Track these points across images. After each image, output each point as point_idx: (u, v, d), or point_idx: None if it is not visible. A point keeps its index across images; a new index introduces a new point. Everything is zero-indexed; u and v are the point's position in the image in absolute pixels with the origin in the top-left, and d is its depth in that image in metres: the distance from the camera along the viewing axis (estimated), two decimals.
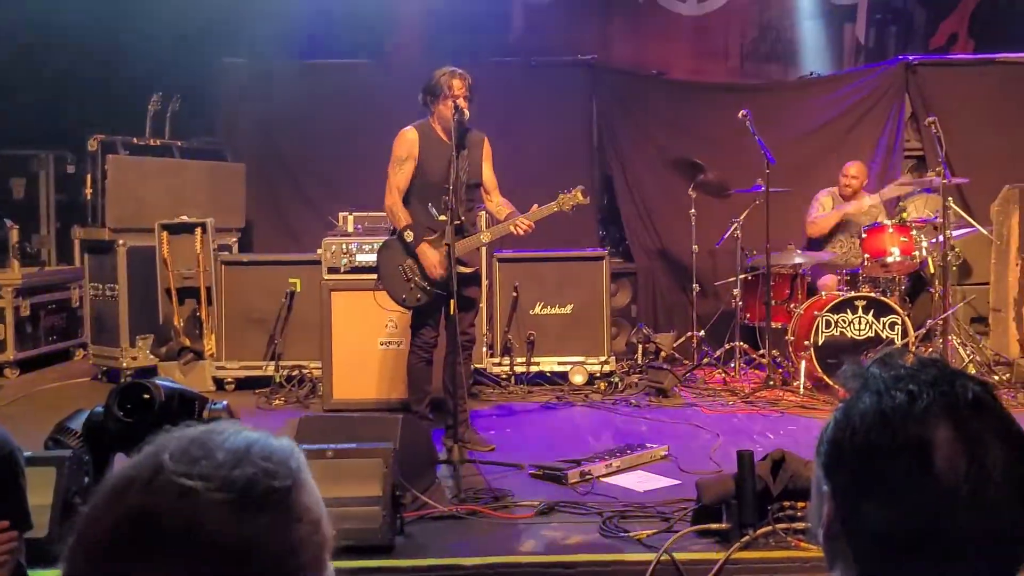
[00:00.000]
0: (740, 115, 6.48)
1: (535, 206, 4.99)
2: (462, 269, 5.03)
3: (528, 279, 6.75)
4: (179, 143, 7.81)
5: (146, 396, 3.23)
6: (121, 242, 6.90)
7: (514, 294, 6.72)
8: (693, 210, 7.05)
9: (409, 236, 4.89)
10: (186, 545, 0.88)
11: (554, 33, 9.26)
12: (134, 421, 3.29)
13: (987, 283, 7.22)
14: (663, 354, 6.97)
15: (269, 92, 8.19)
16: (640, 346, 7.05)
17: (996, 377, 6.32)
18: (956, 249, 6.61)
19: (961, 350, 6.49)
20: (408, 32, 9.10)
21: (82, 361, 7.70)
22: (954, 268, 6.64)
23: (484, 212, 5.48)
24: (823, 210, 7.15)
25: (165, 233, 6.87)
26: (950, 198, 6.44)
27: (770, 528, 3.36)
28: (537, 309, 6.74)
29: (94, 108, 7.86)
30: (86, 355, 7.51)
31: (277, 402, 6.30)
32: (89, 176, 7.40)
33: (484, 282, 6.29)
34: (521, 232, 4.93)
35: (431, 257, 4.84)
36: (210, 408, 3.50)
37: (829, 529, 1.11)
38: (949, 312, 6.31)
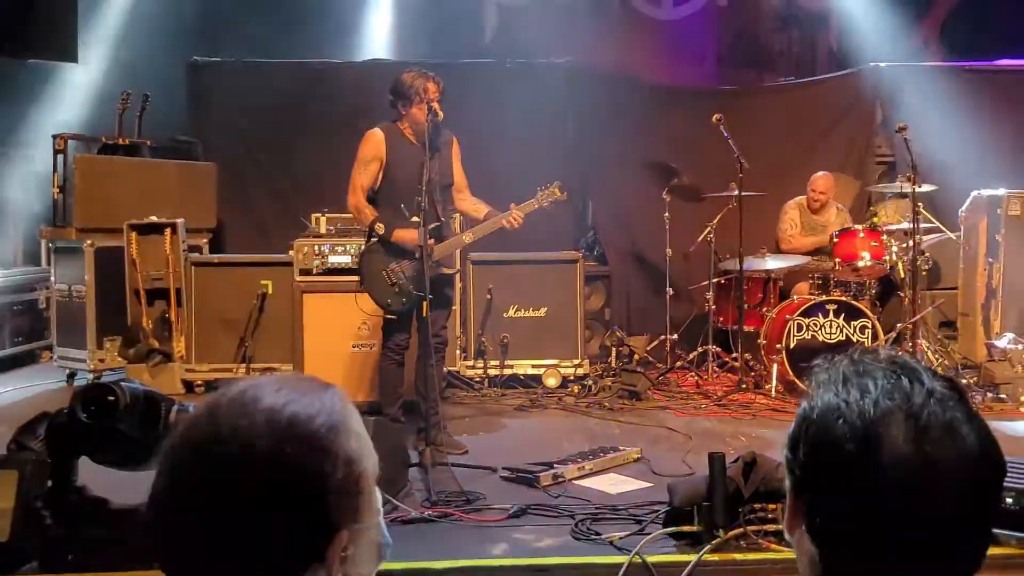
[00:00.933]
0: (714, 119, 6.51)
1: (512, 206, 4.98)
2: (445, 271, 5.02)
3: (502, 282, 6.73)
4: (149, 142, 7.71)
5: (111, 399, 3.17)
6: (89, 242, 6.81)
7: (488, 296, 6.70)
8: (667, 214, 7.06)
9: (380, 228, 4.85)
10: (239, 464, 1.03)
11: (528, 35, 9.25)
12: (98, 424, 3.24)
13: (955, 288, 7.29)
14: (636, 357, 6.98)
15: (241, 92, 8.12)
16: (614, 349, 7.05)
17: (964, 380, 6.38)
18: (926, 254, 6.68)
19: (930, 354, 6.55)
20: (381, 32, 9.07)
21: (48, 363, 7.58)
22: (924, 273, 6.71)
23: (457, 214, 5.45)
24: (795, 226, 7.21)
25: (134, 233, 6.78)
26: (920, 204, 6.51)
27: (741, 530, 3.36)
28: (511, 312, 6.72)
29: (62, 106, 7.76)
30: (52, 357, 7.39)
31: None
32: (57, 176, 7.29)
33: (458, 284, 6.27)
34: (516, 226, 4.91)
35: (409, 235, 4.76)
36: (177, 411, 3.44)
37: (790, 524, 1.11)
38: (918, 316, 6.37)
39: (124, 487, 3.50)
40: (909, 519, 1.01)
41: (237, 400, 1.08)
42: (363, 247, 5.11)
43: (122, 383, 3.38)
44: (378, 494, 1.17)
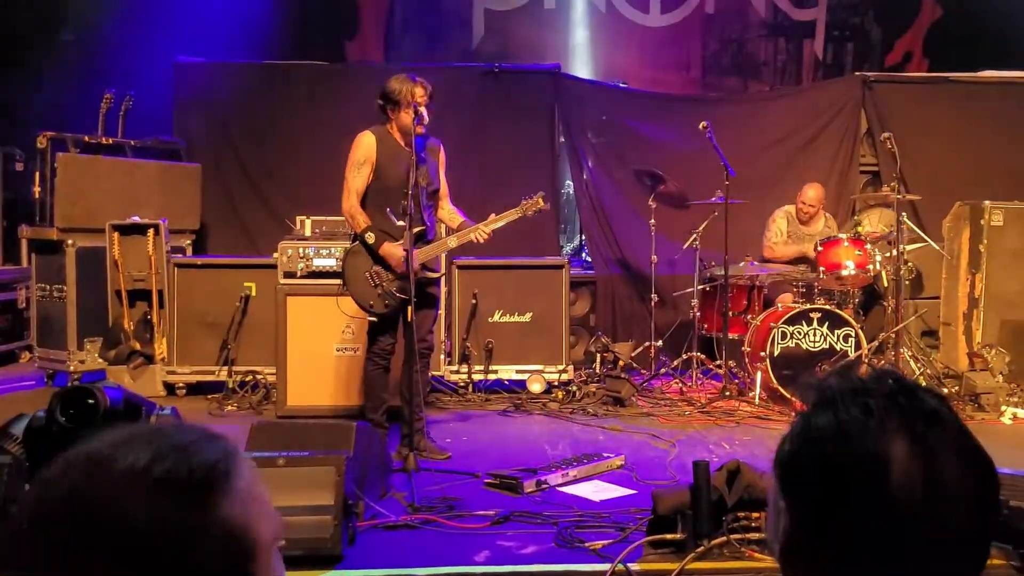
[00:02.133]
0: (701, 127, 6.52)
1: (492, 215, 4.98)
2: (430, 274, 5.00)
3: (487, 287, 6.71)
4: (132, 142, 7.65)
5: (90, 402, 3.14)
6: (70, 242, 6.74)
7: (473, 301, 6.68)
8: (653, 220, 7.07)
9: (371, 238, 4.83)
10: (105, 526, 0.88)
11: (516, 40, 9.26)
12: (77, 427, 3.20)
13: (938, 297, 7.34)
14: (621, 363, 6.97)
15: (226, 92, 8.08)
16: (598, 355, 7.04)
17: (945, 390, 6.41)
18: (909, 263, 6.71)
19: (912, 363, 6.58)
20: (368, 35, 9.04)
21: (28, 364, 7.51)
22: (907, 282, 6.74)
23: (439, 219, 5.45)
24: (780, 235, 7.23)
25: (116, 234, 6.73)
26: (903, 213, 6.54)
27: (725, 539, 3.36)
28: (496, 317, 6.71)
29: (45, 105, 7.69)
30: (32, 358, 7.31)
31: (229, 408, 6.19)
32: (38, 174, 7.22)
33: (443, 289, 6.25)
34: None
35: (397, 253, 4.77)
36: (157, 414, 3.42)
37: (786, 544, 1.09)
38: (901, 325, 6.40)
39: None
40: (916, 539, 1.00)
41: (93, 456, 0.92)
42: (347, 249, 5.09)
43: (101, 386, 3.35)
44: (281, 569, 0.99)
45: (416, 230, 4.77)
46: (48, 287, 6.94)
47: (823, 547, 1.04)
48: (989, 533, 1.05)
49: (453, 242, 5.04)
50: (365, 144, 4.92)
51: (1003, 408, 6.03)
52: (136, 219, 6.78)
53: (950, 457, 1.02)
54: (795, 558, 1.08)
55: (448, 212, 5.13)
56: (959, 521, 1.01)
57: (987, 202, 6.95)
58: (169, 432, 0.96)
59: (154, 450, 0.92)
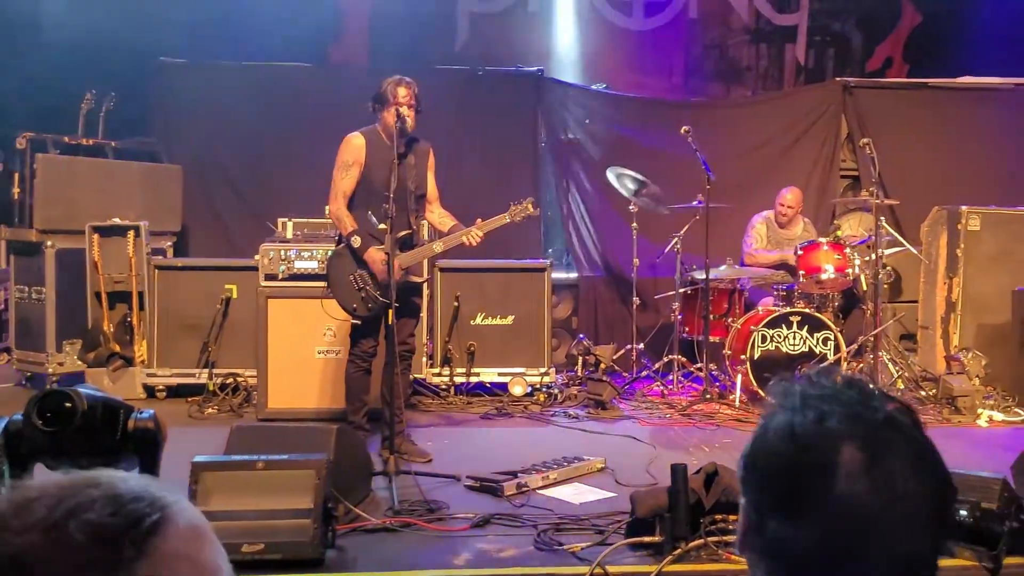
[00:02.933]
0: (682, 131, 6.55)
1: (478, 220, 4.98)
2: (414, 279, 5.00)
3: (470, 289, 6.72)
4: (113, 143, 7.61)
5: (67, 405, 3.13)
6: (50, 243, 6.70)
7: (455, 304, 6.69)
8: (635, 224, 7.11)
9: (357, 241, 4.83)
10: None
11: (499, 43, 9.28)
12: (55, 431, 3.19)
13: (916, 301, 7.41)
14: (603, 366, 6.99)
15: (208, 94, 8.04)
16: (580, 358, 7.06)
17: (923, 392, 6.47)
18: (887, 267, 6.77)
19: (891, 366, 6.64)
20: (352, 37, 9.03)
21: (6, 366, 7.45)
22: (885, 286, 6.80)
23: (425, 223, 5.45)
24: (760, 241, 7.28)
25: (96, 235, 6.69)
26: (882, 218, 6.60)
27: (702, 541, 3.38)
28: (478, 319, 6.72)
29: (24, 105, 7.63)
30: (10, 360, 7.26)
31: (210, 411, 6.17)
32: (17, 175, 7.17)
33: (425, 291, 6.25)
34: (474, 243, 4.92)
35: (380, 260, 4.77)
36: (136, 417, 3.40)
37: (742, 541, 1.12)
38: (879, 329, 6.45)
39: None
40: (862, 545, 1.02)
41: (17, 503, 0.85)
42: (332, 251, 5.09)
43: (79, 388, 3.34)
44: None
45: (401, 234, 4.78)
46: (27, 289, 6.90)
47: (772, 547, 1.07)
48: (941, 540, 1.07)
49: (439, 247, 5.03)
50: (354, 146, 4.91)
51: (979, 411, 6.08)
52: (116, 221, 6.75)
53: (902, 468, 1.04)
54: (748, 553, 1.11)
55: (439, 216, 5.12)
56: (908, 530, 1.03)
57: (964, 207, 7.02)
58: (101, 482, 0.87)
59: (78, 500, 0.84)
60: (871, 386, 1.12)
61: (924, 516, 1.04)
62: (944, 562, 3.51)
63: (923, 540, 1.05)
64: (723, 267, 6.78)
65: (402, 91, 4.79)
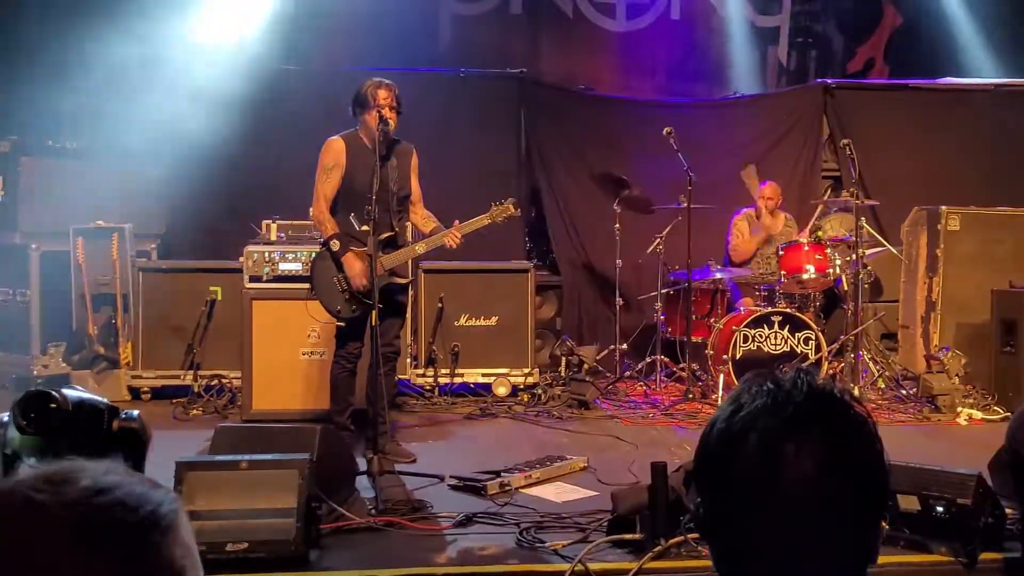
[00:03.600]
0: (664, 132, 6.61)
1: (456, 221, 5.01)
2: (398, 280, 5.02)
3: (453, 290, 6.75)
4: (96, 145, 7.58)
5: (52, 406, 3.14)
6: (34, 246, 6.70)
7: (439, 305, 6.72)
8: (617, 225, 7.15)
9: (336, 245, 4.85)
10: (18, 563, 0.84)
11: (482, 45, 9.30)
12: (38, 432, 3.20)
13: (897, 301, 7.49)
14: (586, 367, 7.04)
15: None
16: (563, 359, 7.11)
17: (903, 391, 6.54)
18: (868, 267, 6.84)
19: (871, 365, 6.71)
20: (334, 39, 9.04)
21: None
22: (866, 286, 6.87)
23: (409, 224, 5.47)
24: (741, 236, 7.35)
25: (80, 238, 6.69)
26: (863, 218, 6.67)
27: (682, 539, 3.42)
28: (462, 321, 6.75)
29: (7, 108, 7.60)
30: None
31: (195, 412, 6.18)
32: (1, 178, 7.14)
33: (410, 293, 6.27)
34: (454, 245, 4.96)
35: (356, 267, 4.82)
36: (120, 418, 3.42)
37: (694, 524, 1.25)
38: (860, 328, 6.52)
39: None
40: (756, 521, 1.10)
41: (55, 474, 0.90)
42: (315, 254, 5.11)
43: (63, 389, 3.35)
44: None
45: (384, 236, 4.81)
46: (11, 291, 6.88)
47: (701, 526, 1.18)
48: (850, 526, 1.12)
49: (421, 248, 5.06)
50: (334, 149, 4.94)
51: (959, 409, 6.16)
52: (100, 223, 6.75)
53: (805, 455, 1.09)
54: (699, 533, 1.26)
55: (422, 217, 5.15)
56: (804, 508, 1.09)
57: (944, 207, 7.10)
58: (115, 470, 0.94)
59: (114, 480, 0.91)
60: (808, 378, 1.16)
61: (820, 495, 1.09)
62: (920, 557, 3.56)
63: (837, 523, 1.10)
64: (705, 267, 6.83)
65: (383, 93, 4.82)
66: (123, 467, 0.98)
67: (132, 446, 3.43)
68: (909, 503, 3.47)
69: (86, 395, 3.44)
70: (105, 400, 3.60)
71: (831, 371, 6.52)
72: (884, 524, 1.18)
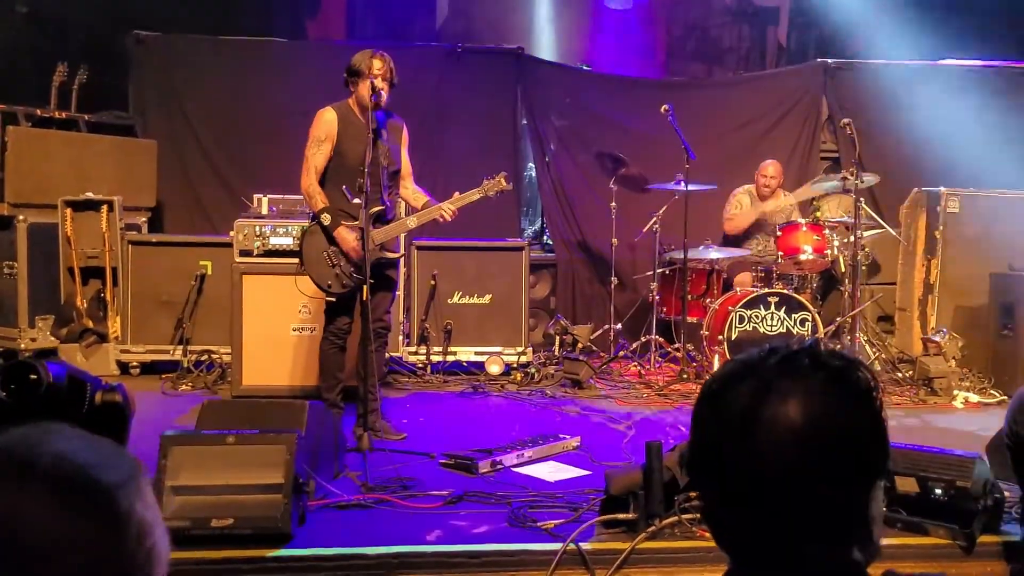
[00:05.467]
0: (662, 110, 6.51)
1: (456, 193, 4.93)
2: (388, 255, 4.95)
3: (447, 268, 6.68)
4: (86, 117, 7.49)
5: (32, 377, 3.06)
6: (21, 218, 6.60)
7: (432, 283, 6.64)
8: (614, 203, 7.07)
9: (327, 219, 4.77)
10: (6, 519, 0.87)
11: (480, 21, 9.20)
12: (19, 403, 3.12)
13: (894, 283, 7.43)
14: (580, 346, 6.98)
15: (183, 67, 7.95)
16: (557, 337, 7.05)
17: (899, 374, 6.50)
18: (866, 249, 6.78)
19: (867, 347, 6.66)
20: (330, 13, 8.93)
21: None
22: (864, 267, 6.81)
23: (400, 200, 5.38)
24: (740, 208, 7.26)
25: (69, 210, 6.60)
26: (862, 199, 6.59)
27: (676, 519, 3.37)
28: (455, 298, 6.68)
29: None
30: None
31: (184, 387, 6.11)
32: None
33: (402, 270, 6.20)
34: (448, 218, 4.88)
35: (349, 239, 4.73)
36: (103, 391, 3.34)
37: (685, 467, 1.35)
38: (857, 310, 6.46)
39: None
40: (732, 469, 1.13)
41: (21, 440, 0.92)
42: (305, 228, 5.02)
43: (45, 362, 3.27)
44: None
45: (374, 210, 4.72)
46: None
47: (691, 472, 1.29)
48: (856, 484, 1.13)
49: (413, 222, 4.98)
50: (326, 120, 4.85)
51: (955, 392, 6.12)
52: (90, 195, 6.66)
53: (781, 404, 1.12)
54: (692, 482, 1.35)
55: (412, 192, 5.07)
56: (778, 461, 1.11)
57: (943, 189, 7.03)
58: (88, 436, 0.98)
59: (78, 444, 0.94)
60: (812, 344, 1.20)
61: (796, 451, 1.10)
62: (918, 540, 3.51)
63: (818, 479, 1.10)
64: (701, 247, 6.76)
65: (377, 63, 4.73)
66: (83, 432, 0.99)
67: (115, 419, 3.36)
68: (907, 485, 3.42)
69: (68, 367, 3.36)
70: (88, 373, 3.53)
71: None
72: (880, 500, 1.17)
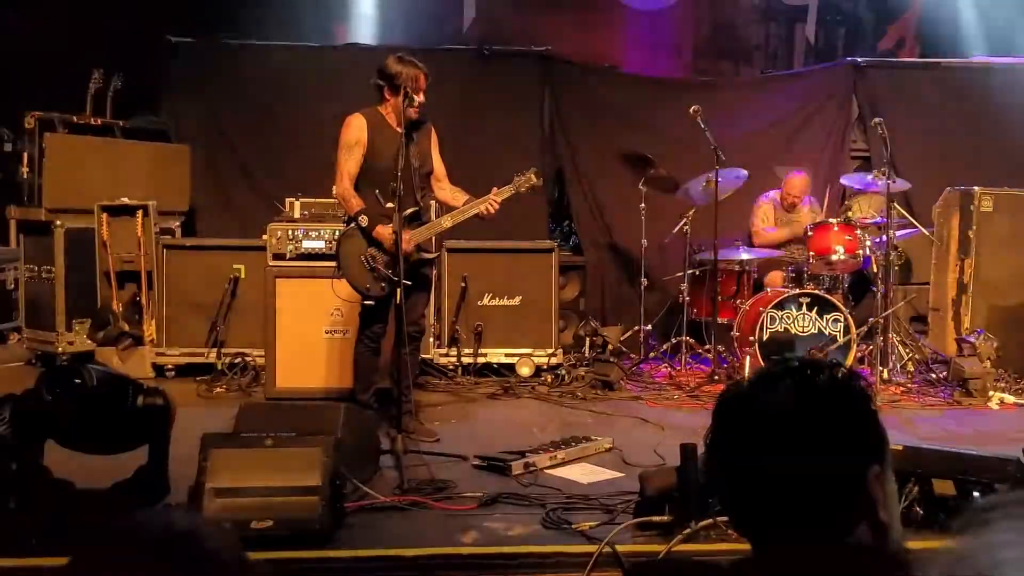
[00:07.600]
0: (691, 111, 6.50)
1: (494, 189, 4.95)
2: (425, 255, 4.99)
3: (477, 270, 6.71)
4: (121, 123, 7.59)
5: (77, 381, 3.13)
6: (59, 223, 6.71)
7: (463, 285, 6.67)
8: (643, 204, 7.06)
9: (364, 221, 4.81)
10: None
11: (506, 22, 9.22)
12: (63, 406, 3.19)
13: (927, 283, 7.36)
14: (610, 347, 6.98)
15: (217, 73, 8.04)
16: (587, 339, 7.04)
17: (934, 375, 6.44)
18: (899, 249, 6.72)
19: (901, 348, 6.60)
20: (359, 18, 9.00)
21: (17, 345, 7.47)
22: (896, 268, 6.75)
23: (434, 202, 5.42)
24: (767, 222, 7.25)
25: (105, 215, 6.70)
26: (894, 199, 6.54)
27: (711, 521, 3.37)
28: (485, 300, 6.71)
29: (32, 84, 7.62)
30: (20, 339, 7.28)
31: (218, 390, 6.18)
32: (26, 154, 7.17)
33: (433, 271, 6.23)
34: (493, 211, 4.88)
35: (388, 235, 4.74)
36: (145, 394, 3.41)
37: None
38: (890, 311, 6.41)
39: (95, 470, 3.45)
40: (738, 448, 1.31)
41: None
42: (341, 232, 5.07)
43: (88, 365, 3.34)
44: None
45: (409, 211, 4.76)
46: (36, 268, 6.91)
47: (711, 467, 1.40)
48: (855, 462, 1.25)
49: (448, 222, 5.01)
50: (355, 126, 4.89)
51: (991, 393, 6.05)
52: (125, 200, 6.75)
53: (777, 390, 1.29)
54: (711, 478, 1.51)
55: (450, 192, 5.09)
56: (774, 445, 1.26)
57: (977, 188, 6.95)
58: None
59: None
60: (831, 360, 1.41)
61: (810, 433, 1.24)
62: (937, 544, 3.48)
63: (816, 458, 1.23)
64: (732, 248, 6.74)
65: (421, 77, 4.77)
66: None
67: (156, 421, 3.43)
68: (944, 487, 3.41)
69: (110, 371, 3.43)
70: (129, 376, 3.60)
71: (859, 353, 6.42)
72: (886, 484, 1.26)
